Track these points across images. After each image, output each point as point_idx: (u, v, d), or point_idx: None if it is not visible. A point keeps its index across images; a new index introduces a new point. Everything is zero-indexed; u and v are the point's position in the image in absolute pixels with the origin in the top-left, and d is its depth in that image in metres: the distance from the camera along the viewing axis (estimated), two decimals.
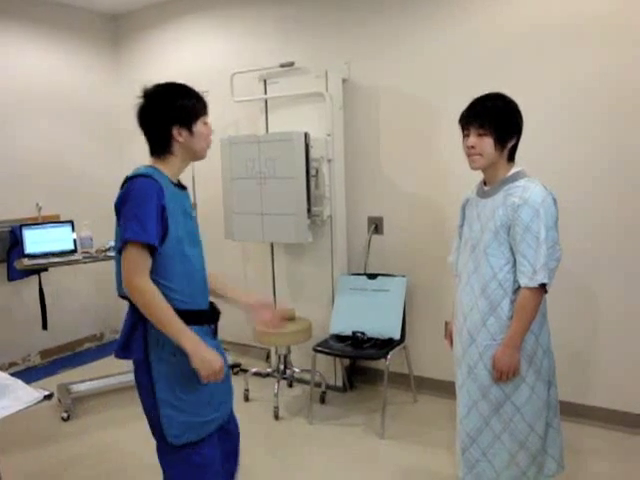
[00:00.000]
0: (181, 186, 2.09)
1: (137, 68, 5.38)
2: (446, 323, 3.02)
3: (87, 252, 4.11)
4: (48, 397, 2.33)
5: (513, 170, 2.25)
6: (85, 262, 4.06)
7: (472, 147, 2.22)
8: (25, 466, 3.28)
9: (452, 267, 2.56)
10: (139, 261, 1.83)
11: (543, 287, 2.14)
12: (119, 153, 5.45)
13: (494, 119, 2.18)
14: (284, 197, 3.87)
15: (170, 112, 1.97)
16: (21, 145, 4.79)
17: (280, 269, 4.31)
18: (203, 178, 4.69)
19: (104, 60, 5.44)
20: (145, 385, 2.00)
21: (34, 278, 4.68)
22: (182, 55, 5.03)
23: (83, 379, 4.28)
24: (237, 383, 4.25)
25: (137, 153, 5.47)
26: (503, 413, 2.25)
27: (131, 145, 5.26)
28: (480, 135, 2.20)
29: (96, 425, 3.77)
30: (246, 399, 4.06)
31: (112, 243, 4.12)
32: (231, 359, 4.71)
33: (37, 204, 4.81)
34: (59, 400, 3.97)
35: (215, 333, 2.17)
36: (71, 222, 4.23)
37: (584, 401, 3.55)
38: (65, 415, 3.84)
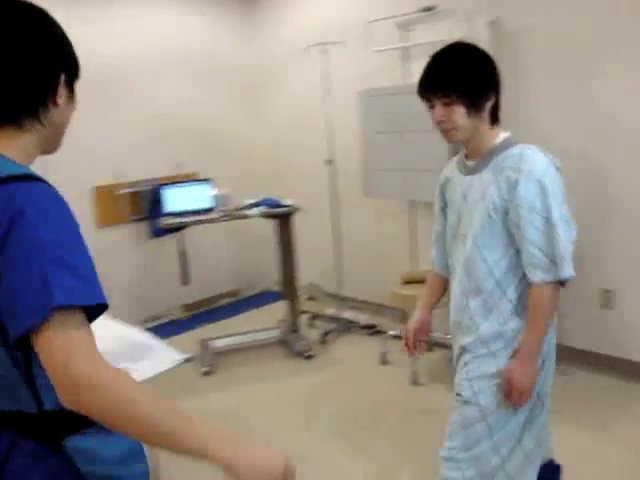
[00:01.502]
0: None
1: (272, 25, 5.26)
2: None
3: (224, 210, 4.12)
4: (188, 360, 2.33)
5: (502, 136, 1.80)
6: (223, 220, 4.08)
7: (441, 122, 1.77)
8: None
9: (433, 263, 2.11)
10: (86, 338, 0.96)
11: (562, 282, 1.71)
12: (255, 111, 5.43)
13: (459, 82, 1.71)
14: (425, 152, 3.63)
15: (61, 50, 1.11)
16: (162, 106, 4.88)
17: (422, 229, 4.11)
18: (338, 134, 4.54)
19: (240, 19, 5.38)
20: None
21: (175, 235, 4.80)
22: (317, 7, 4.85)
23: (220, 335, 4.36)
24: (373, 345, 4.18)
25: (284, 110, 5.41)
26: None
27: (267, 102, 5.24)
28: (447, 105, 1.73)
29: (234, 381, 3.82)
30: (383, 362, 3.94)
31: (250, 201, 4.12)
32: (366, 319, 4.62)
33: (177, 163, 4.91)
34: (200, 355, 4.07)
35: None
36: (209, 180, 4.25)
37: None
38: (206, 370, 3.92)
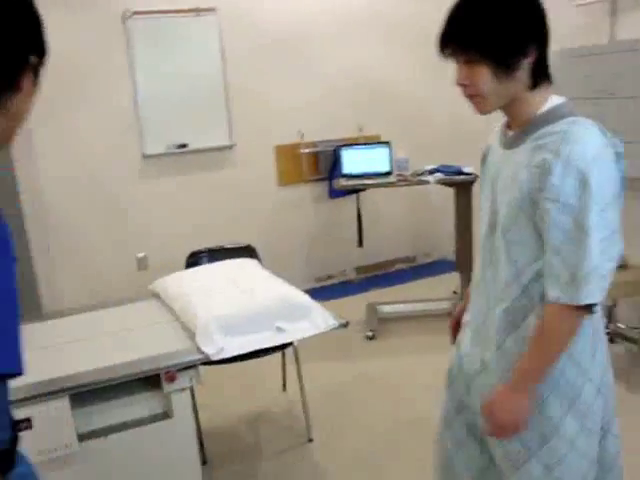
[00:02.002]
0: None
1: None
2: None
3: (402, 175, 4.02)
4: (344, 325, 2.31)
5: (551, 102, 1.37)
6: (400, 185, 3.99)
7: (462, 86, 1.38)
8: (322, 378, 3.44)
9: None
10: None
11: (587, 307, 1.29)
12: (439, 76, 5.19)
13: (479, 34, 1.30)
14: (627, 122, 3.20)
15: (34, 29, 1.00)
16: (347, 68, 4.85)
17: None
18: None
19: None
20: None
21: (352, 197, 4.82)
22: None
23: (392, 300, 4.32)
24: None
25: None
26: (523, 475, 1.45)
27: (451, 67, 4.97)
28: (469, 63, 1.34)
29: (395, 349, 3.78)
30: None
31: (429, 167, 3.97)
32: None
33: (358, 125, 4.88)
34: (366, 319, 4.08)
35: None
36: (388, 143, 4.17)
37: None
38: (370, 334, 3.92)
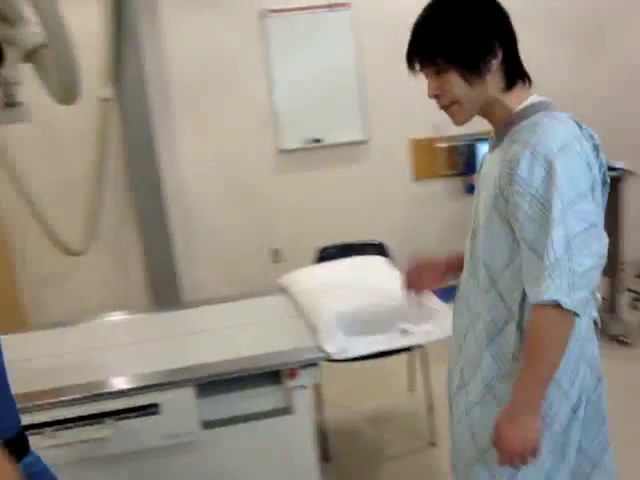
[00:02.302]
0: None
1: None
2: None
3: None
4: None
5: (528, 101, 1.33)
6: None
7: (436, 96, 1.36)
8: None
9: None
10: None
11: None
12: (592, 64, 4.83)
13: (443, 40, 1.29)
14: None
15: None
16: None
17: None
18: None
19: None
20: None
21: None
22: None
23: None
24: None
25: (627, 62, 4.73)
26: None
27: (604, 56, 4.62)
28: (438, 73, 1.33)
29: None
30: None
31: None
32: None
33: None
34: None
35: None
36: None
37: None
38: None
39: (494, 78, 1.31)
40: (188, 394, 1.94)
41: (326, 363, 2.14)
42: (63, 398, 1.87)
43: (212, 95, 4.25)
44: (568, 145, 1.21)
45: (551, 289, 1.16)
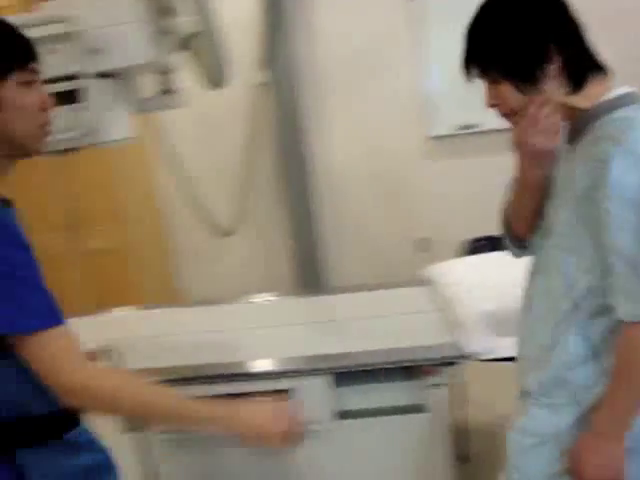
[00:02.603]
0: (3, 201, 1.15)
1: None
2: None
3: None
4: None
5: (609, 94, 1.16)
6: None
7: (494, 106, 1.27)
8: None
9: None
10: (70, 345, 1.09)
11: None
12: None
13: (493, 53, 1.22)
14: None
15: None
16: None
17: None
18: None
19: None
20: None
21: None
22: None
23: None
24: None
25: None
26: None
27: None
28: (493, 83, 1.24)
29: None
30: None
31: None
32: None
33: None
34: None
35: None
36: None
37: None
38: None
39: (554, 83, 1.21)
40: (325, 382, 1.92)
41: (472, 361, 2.04)
42: (199, 374, 1.90)
43: (361, 84, 4.21)
44: None
45: None
